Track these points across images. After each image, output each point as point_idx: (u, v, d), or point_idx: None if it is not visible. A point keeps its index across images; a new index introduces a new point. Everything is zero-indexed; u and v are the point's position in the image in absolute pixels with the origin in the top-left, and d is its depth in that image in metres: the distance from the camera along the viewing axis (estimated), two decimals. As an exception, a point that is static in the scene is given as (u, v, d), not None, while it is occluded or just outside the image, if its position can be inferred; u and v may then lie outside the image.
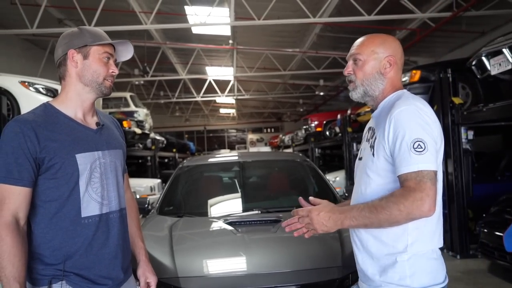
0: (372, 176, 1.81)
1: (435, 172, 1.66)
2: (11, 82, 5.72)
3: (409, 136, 1.66)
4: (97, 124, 1.96)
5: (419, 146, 1.64)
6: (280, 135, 26.11)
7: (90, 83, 1.90)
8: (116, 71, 1.96)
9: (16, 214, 1.72)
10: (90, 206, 1.84)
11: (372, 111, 1.98)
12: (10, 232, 1.69)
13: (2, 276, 1.67)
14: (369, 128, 1.96)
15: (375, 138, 1.82)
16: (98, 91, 1.92)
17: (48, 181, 1.79)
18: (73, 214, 1.81)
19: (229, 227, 3.44)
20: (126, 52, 2.05)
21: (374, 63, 1.88)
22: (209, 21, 11.65)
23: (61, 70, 1.92)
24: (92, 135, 1.91)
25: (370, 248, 1.83)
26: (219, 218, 3.73)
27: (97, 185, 1.87)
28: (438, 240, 1.80)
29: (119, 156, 2.03)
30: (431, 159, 1.65)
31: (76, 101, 1.91)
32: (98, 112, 2.05)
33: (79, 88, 1.90)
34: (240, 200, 4.26)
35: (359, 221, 1.69)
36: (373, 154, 1.81)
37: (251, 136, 36.52)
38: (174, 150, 17.97)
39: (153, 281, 2.17)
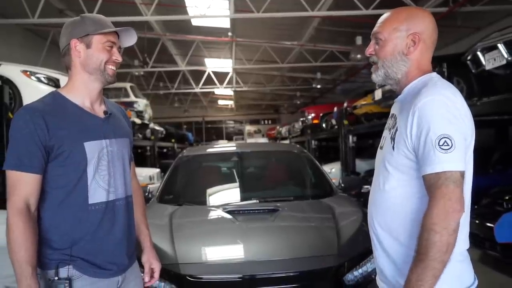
0: (391, 171, 1.66)
1: (462, 173, 1.49)
2: (13, 71, 5.70)
3: (434, 132, 1.49)
4: (105, 112, 1.97)
5: (445, 143, 1.47)
6: (277, 127, 26.05)
7: (94, 71, 1.89)
8: (120, 59, 1.94)
9: (27, 200, 1.75)
10: (97, 193, 1.87)
11: (396, 95, 1.79)
12: (22, 217, 1.72)
13: (14, 260, 1.71)
14: (392, 115, 1.77)
15: (396, 130, 1.65)
16: (102, 78, 1.92)
17: (57, 169, 1.82)
18: (81, 201, 1.84)
19: (228, 216, 3.50)
20: (130, 38, 2.02)
21: (396, 42, 1.68)
22: (209, 13, 11.67)
23: (66, 60, 1.92)
24: (100, 124, 1.93)
25: (386, 246, 1.70)
26: (218, 206, 3.79)
27: (104, 173, 1.89)
28: (464, 241, 1.63)
29: (126, 144, 2.05)
30: (458, 157, 1.48)
31: (83, 90, 1.92)
32: (106, 101, 2.06)
33: (85, 77, 1.91)
34: (238, 189, 4.33)
35: (425, 280, 1.47)
36: (393, 148, 1.64)
37: (248, 128, 36.44)
38: (173, 140, 17.93)
39: (157, 267, 2.21)
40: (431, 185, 1.51)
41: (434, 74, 1.70)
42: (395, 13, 1.74)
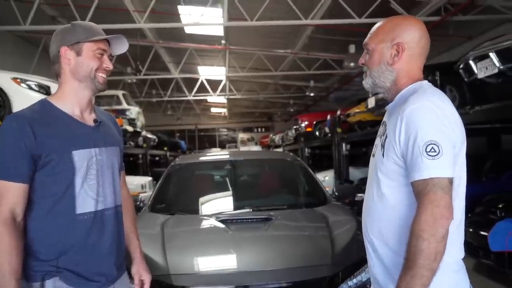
0: (382, 178, 1.66)
1: (450, 179, 1.49)
2: (3, 79, 5.62)
3: (421, 138, 1.49)
4: (95, 121, 1.95)
5: (432, 150, 1.47)
6: (271, 135, 26.12)
7: (84, 79, 1.87)
8: (110, 66, 1.92)
9: (13, 210, 1.72)
10: (85, 203, 1.83)
11: (388, 103, 1.79)
12: (8, 228, 1.69)
13: None
14: (383, 123, 1.78)
15: (386, 137, 1.66)
16: (93, 86, 1.89)
17: (45, 177, 1.78)
18: (68, 211, 1.80)
19: (221, 225, 3.46)
20: (121, 45, 2.00)
21: (381, 52, 1.71)
22: (202, 21, 11.68)
23: (56, 67, 1.90)
24: (90, 132, 1.90)
25: (381, 255, 1.70)
26: (210, 215, 3.75)
27: (93, 182, 1.86)
28: (458, 251, 1.63)
29: (116, 153, 2.02)
30: (446, 164, 1.48)
31: (73, 97, 1.89)
32: (96, 109, 2.03)
33: (75, 85, 1.88)
34: (231, 198, 4.29)
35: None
36: (383, 155, 1.65)
37: (242, 135, 36.49)
38: (166, 148, 17.91)
39: (147, 278, 2.17)
40: (419, 191, 1.51)
41: (425, 82, 1.71)
42: (383, 23, 1.76)
